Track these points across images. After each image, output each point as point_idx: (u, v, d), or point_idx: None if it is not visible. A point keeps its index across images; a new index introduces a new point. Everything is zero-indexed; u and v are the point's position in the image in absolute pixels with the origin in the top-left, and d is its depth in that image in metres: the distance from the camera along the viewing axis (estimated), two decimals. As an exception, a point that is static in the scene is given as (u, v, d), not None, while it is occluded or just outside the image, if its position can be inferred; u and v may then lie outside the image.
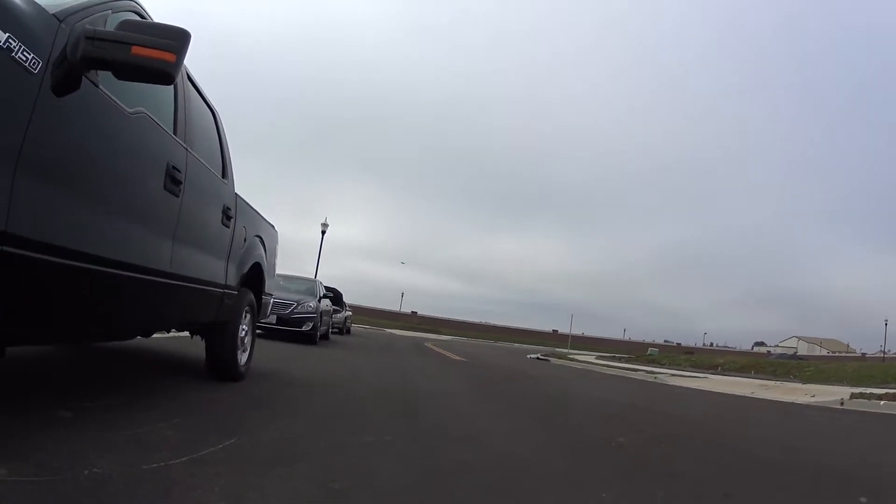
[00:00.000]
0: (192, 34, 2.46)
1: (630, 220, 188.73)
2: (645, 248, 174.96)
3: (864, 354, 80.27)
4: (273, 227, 6.19)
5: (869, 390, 14.01)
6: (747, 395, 14.20)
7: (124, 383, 4.41)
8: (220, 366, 4.98)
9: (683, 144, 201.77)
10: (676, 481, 3.59)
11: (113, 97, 2.62)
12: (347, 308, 25.83)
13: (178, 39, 2.40)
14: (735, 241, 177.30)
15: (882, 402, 11.59)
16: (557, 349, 42.85)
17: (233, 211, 4.69)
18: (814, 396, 13.28)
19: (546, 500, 2.82)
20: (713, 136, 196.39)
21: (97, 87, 2.48)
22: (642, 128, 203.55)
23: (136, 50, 2.31)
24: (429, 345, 26.33)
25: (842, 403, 11.84)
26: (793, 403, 12.27)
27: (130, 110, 2.80)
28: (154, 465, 2.34)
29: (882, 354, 75.22)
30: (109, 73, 2.43)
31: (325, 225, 35.68)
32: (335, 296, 20.44)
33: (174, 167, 3.34)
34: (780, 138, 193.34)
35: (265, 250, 5.69)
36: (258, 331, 6.24)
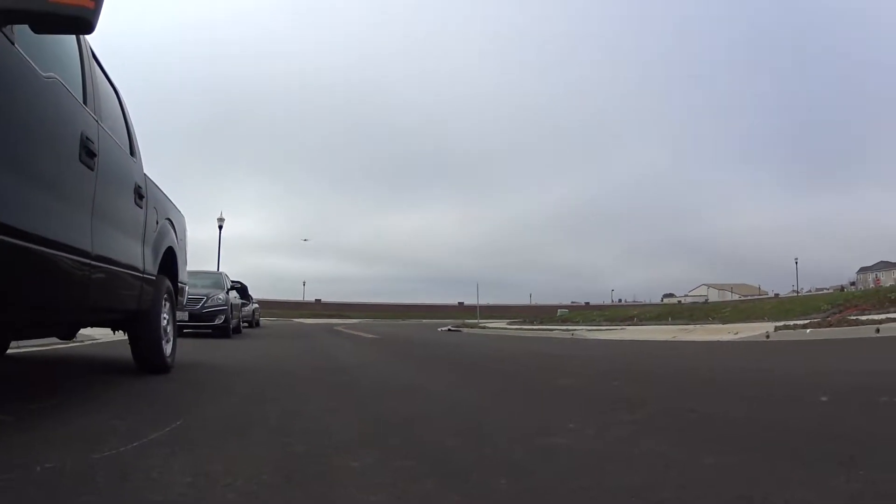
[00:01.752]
0: None
1: (526, 185, 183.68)
2: (543, 211, 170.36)
3: (776, 295, 77.31)
4: (181, 212, 5.82)
5: (792, 322, 13.95)
6: (669, 339, 13.70)
7: (56, 386, 4.14)
8: (147, 357, 4.68)
9: (573, 100, 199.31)
10: (637, 407, 3.60)
11: (28, 58, 2.40)
12: (254, 300, 25.07)
13: None
14: (633, 194, 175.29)
15: (808, 331, 11.51)
16: (467, 320, 42.93)
17: (144, 190, 4.38)
18: (737, 334, 12.98)
19: (513, 434, 2.77)
20: (604, 89, 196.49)
21: (13, 45, 2.27)
22: (529, 87, 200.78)
23: None
24: (339, 328, 25.95)
25: (767, 336, 11.62)
26: (718, 342, 11.95)
27: (44, 74, 2.57)
28: (106, 454, 2.15)
29: (795, 293, 73.51)
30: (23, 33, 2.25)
31: (221, 220, 34.57)
32: (241, 288, 19.74)
33: (88, 138, 3.07)
34: (673, 84, 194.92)
35: (176, 235, 5.36)
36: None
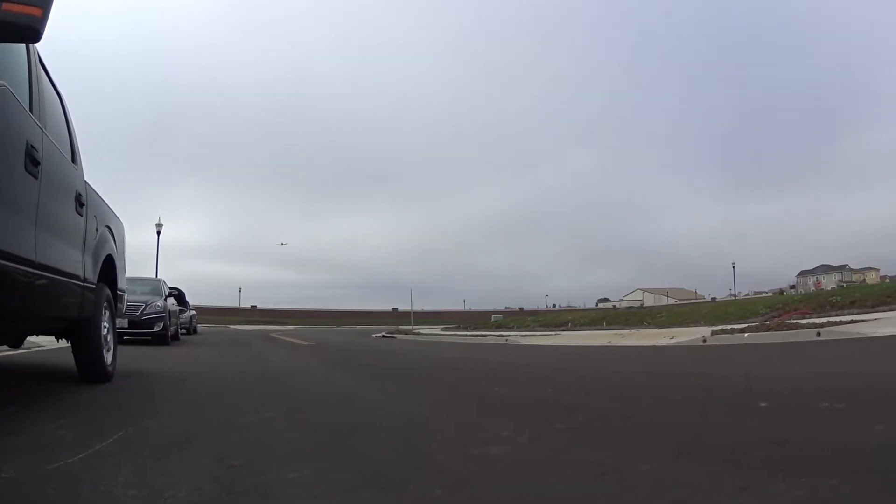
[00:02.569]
0: None
1: (459, 190, 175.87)
2: (477, 217, 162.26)
3: (714, 299, 70.53)
4: (119, 219, 5.67)
5: (730, 326, 13.59)
6: (604, 344, 13.09)
7: (7, 394, 4.11)
8: (89, 366, 4.56)
9: (507, 107, 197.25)
10: (573, 414, 3.55)
11: None
12: (192, 307, 24.42)
13: None
14: (567, 198, 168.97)
15: (746, 335, 11.09)
16: (401, 326, 42.41)
17: (84, 198, 4.26)
18: (674, 338, 12.51)
19: (448, 443, 2.76)
20: (537, 96, 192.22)
21: None
22: (464, 93, 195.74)
23: (6, 6, 2.08)
24: (275, 335, 25.46)
25: (704, 341, 11.18)
26: (654, 346, 11.45)
27: None
28: (57, 465, 2.15)
29: (733, 296, 69.93)
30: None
31: (159, 226, 33.78)
32: (179, 295, 19.21)
33: (32, 146, 2.98)
34: (605, 90, 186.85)
35: (115, 243, 5.21)
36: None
